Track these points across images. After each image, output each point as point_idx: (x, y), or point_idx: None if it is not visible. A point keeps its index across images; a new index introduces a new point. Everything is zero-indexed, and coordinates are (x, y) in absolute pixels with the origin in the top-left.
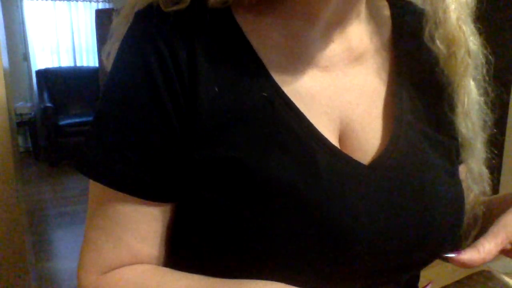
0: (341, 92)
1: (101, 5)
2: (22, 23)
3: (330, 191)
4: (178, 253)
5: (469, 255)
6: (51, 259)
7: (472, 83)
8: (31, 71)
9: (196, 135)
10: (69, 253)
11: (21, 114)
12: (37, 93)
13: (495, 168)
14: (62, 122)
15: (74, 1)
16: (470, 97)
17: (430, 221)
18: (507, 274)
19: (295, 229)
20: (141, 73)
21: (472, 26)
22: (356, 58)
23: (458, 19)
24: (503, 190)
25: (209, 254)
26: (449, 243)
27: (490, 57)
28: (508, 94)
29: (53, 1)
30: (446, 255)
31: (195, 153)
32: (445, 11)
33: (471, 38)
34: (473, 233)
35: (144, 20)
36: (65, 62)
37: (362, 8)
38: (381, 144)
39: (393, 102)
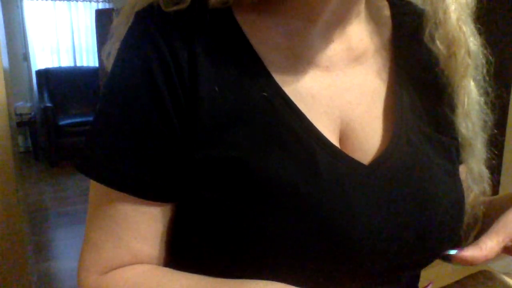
0: (341, 92)
1: (101, 5)
2: (22, 23)
3: (330, 191)
4: (178, 253)
5: (471, 252)
6: (51, 259)
7: (472, 83)
8: (31, 71)
9: (196, 135)
10: (69, 253)
11: (21, 114)
12: (37, 93)
13: (495, 168)
14: (62, 122)
15: (74, 1)
16: (470, 97)
17: (430, 221)
18: (507, 274)
19: (295, 229)
20: (141, 73)
21: (472, 26)
22: (356, 58)
23: (458, 19)
24: (503, 190)
25: (209, 254)
26: (449, 243)
27: (490, 57)
28: (508, 94)
29: (53, 1)
30: (448, 253)
31: (195, 153)
32: (445, 11)
33: (471, 38)
34: (473, 233)
35: (145, 20)
36: (65, 62)
37: (362, 8)
38: (381, 144)
39: (393, 102)
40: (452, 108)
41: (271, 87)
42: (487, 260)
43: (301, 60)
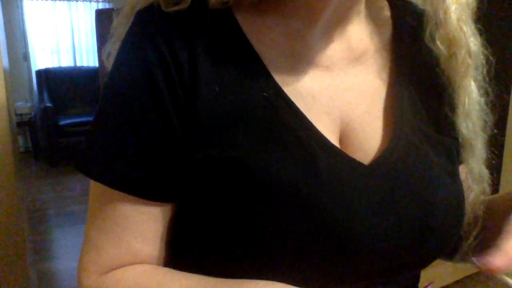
0: (341, 92)
1: (101, 5)
2: (22, 23)
3: (330, 191)
4: (178, 253)
5: (499, 259)
6: (51, 259)
7: (472, 83)
8: (31, 71)
9: (196, 135)
10: (69, 253)
11: (21, 114)
12: (37, 93)
13: (495, 168)
14: (62, 122)
15: (74, 1)
16: (471, 98)
17: (430, 221)
18: (507, 274)
19: (295, 229)
20: (141, 73)
21: (472, 26)
22: (357, 58)
23: (458, 19)
24: (503, 190)
25: (209, 254)
26: (449, 243)
27: (490, 57)
28: (508, 94)
29: (53, 1)
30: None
31: (195, 153)
32: (445, 11)
33: (472, 38)
34: (473, 233)
35: (145, 20)
36: (65, 62)
37: (362, 8)
38: (381, 144)
39: (394, 102)
40: (453, 108)
41: (271, 87)
42: None
43: (301, 60)
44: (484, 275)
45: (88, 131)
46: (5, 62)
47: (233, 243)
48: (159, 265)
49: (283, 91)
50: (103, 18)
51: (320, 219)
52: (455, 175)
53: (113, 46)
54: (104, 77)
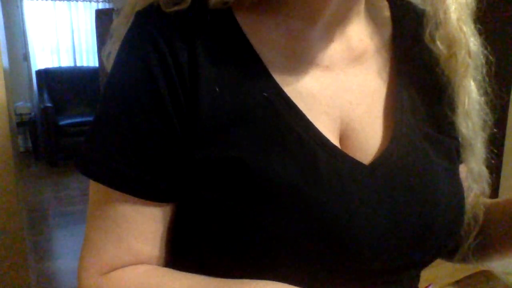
0: (341, 92)
1: (101, 5)
2: (22, 23)
3: (331, 191)
4: (178, 253)
5: None
6: (51, 259)
7: (472, 83)
8: (31, 71)
9: (197, 135)
10: (69, 253)
11: (21, 114)
12: (37, 93)
13: (494, 167)
14: (62, 122)
15: (74, 1)
16: (471, 98)
17: (431, 221)
18: (507, 274)
19: (295, 229)
20: (141, 73)
21: (472, 26)
22: (357, 58)
23: (458, 19)
24: (503, 190)
25: (210, 254)
26: (449, 243)
27: (490, 57)
28: (508, 94)
29: (53, 1)
30: None
31: (195, 153)
32: (445, 11)
33: (472, 38)
34: (473, 233)
35: (145, 20)
36: (65, 62)
37: (362, 8)
38: (381, 144)
39: (394, 102)
40: (453, 108)
41: (272, 87)
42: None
43: (301, 60)
44: (484, 275)
45: (88, 131)
46: (5, 62)
47: (233, 243)
48: (159, 265)
49: (283, 91)
50: (103, 18)
51: (320, 219)
52: (455, 174)
53: (113, 46)
54: (104, 77)
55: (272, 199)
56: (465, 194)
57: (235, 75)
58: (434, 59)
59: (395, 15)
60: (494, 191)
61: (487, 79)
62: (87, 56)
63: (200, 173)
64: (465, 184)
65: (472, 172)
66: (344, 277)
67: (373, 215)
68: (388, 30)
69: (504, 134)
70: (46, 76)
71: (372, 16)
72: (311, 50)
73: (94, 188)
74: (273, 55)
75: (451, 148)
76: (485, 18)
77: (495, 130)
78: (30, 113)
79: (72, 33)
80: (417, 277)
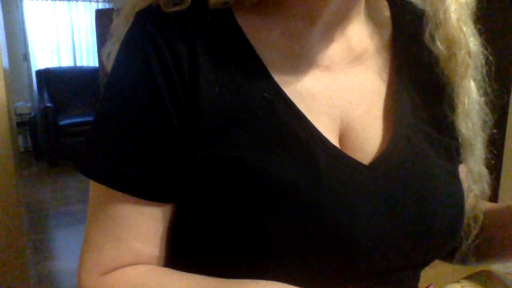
0: (341, 92)
1: (101, 5)
2: (22, 23)
3: (330, 191)
4: (178, 253)
5: None
6: (51, 259)
7: (472, 83)
8: (31, 71)
9: (197, 135)
10: (69, 253)
11: (21, 114)
12: (37, 93)
13: (494, 168)
14: (62, 122)
15: (74, 1)
16: (471, 98)
17: (430, 221)
18: (507, 274)
19: (295, 229)
20: (141, 73)
21: (472, 27)
22: (356, 58)
23: (458, 20)
24: (503, 190)
25: (210, 254)
26: (449, 243)
27: (490, 57)
28: (508, 94)
29: (53, 1)
30: None
31: (195, 153)
32: (445, 12)
33: (472, 39)
34: (473, 233)
35: (145, 21)
36: (65, 62)
37: (362, 8)
38: (381, 144)
39: (394, 102)
40: (452, 108)
41: (271, 87)
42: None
43: (301, 60)
44: (484, 275)
45: (88, 131)
46: (5, 62)
47: (233, 243)
48: (159, 265)
49: (283, 91)
50: (103, 18)
51: (320, 219)
52: (455, 175)
53: (113, 46)
54: (104, 77)
55: (272, 199)
56: (465, 195)
57: (235, 75)
58: (434, 59)
59: (395, 15)
60: (494, 191)
61: (487, 79)
62: (87, 56)
63: (200, 173)
64: (465, 184)
65: (472, 172)
66: (343, 277)
67: (372, 215)
68: (388, 30)
69: (504, 134)
70: (46, 76)
71: (372, 16)
72: (311, 50)
73: (94, 188)
74: (273, 55)
75: (451, 148)
76: (485, 18)
77: (495, 130)
78: (30, 113)
79: (72, 33)
80: (417, 277)
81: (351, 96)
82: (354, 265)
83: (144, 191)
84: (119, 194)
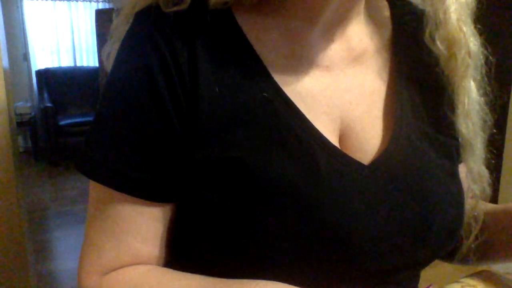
0: (341, 92)
1: (101, 5)
2: (22, 23)
3: (330, 191)
4: (178, 253)
5: None
6: (51, 259)
7: (472, 83)
8: (31, 71)
9: (196, 135)
10: (69, 253)
11: (21, 114)
12: (37, 93)
13: (494, 168)
14: (62, 122)
15: (74, 1)
16: (471, 98)
17: (430, 221)
18: (507, 274)
19: (295, 229)
20: (141, 73)
21: (472, 27)
22: (356, 58)
23: (458, 20)
24: (503, 190)
25: (210, 254)
26: (449, 243)
27: (490, 57)
28: (508, 94)
29: (53, 1)
30: None
31: (195, 153)
32: (445, 12)
33: (472, 39)
34: (473, 233)
35: (144, 21)
36: (65, 62)
37: (362, 8)
38: (381, 144)
39: (394, 102)
40: (453, 108)
41: (271, 87)
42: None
43: (301, 60)
44: (484, 275)
45: (88, 131)
46: (5, 62)
47: (233, 243)
48: (159, 265)
49: (283, 92)
50: (103, 18)
51: (320, 219)
52: (455, 175)
53: (113, 46)
54: (104, 77)
55: (272, 199)
56: (465, 195)
57: (235, 75)
58: (434, 59)
59: (395, 15)
60: (494, 191)
61: (486, 79)
62: (87, 56)
63: (200, 173)
64: (465, 184)
65: (472, 172)
66: (343, 277)
67: (372, 215)
68: (388, 30)
69: (504, 134)
70: (46, 76)
71: (372, 16)
72: (311, 50)
73: (94, 188)
74: (273, 56)
75: (451, 148)
76: (485, 18)
77: (495, 130)
78: (30, 113)
79: (72, 33)
80: (417, 277)
81: (351, 96)
82: (353, 265)
83: (143, 191)
84: (119, 194)
